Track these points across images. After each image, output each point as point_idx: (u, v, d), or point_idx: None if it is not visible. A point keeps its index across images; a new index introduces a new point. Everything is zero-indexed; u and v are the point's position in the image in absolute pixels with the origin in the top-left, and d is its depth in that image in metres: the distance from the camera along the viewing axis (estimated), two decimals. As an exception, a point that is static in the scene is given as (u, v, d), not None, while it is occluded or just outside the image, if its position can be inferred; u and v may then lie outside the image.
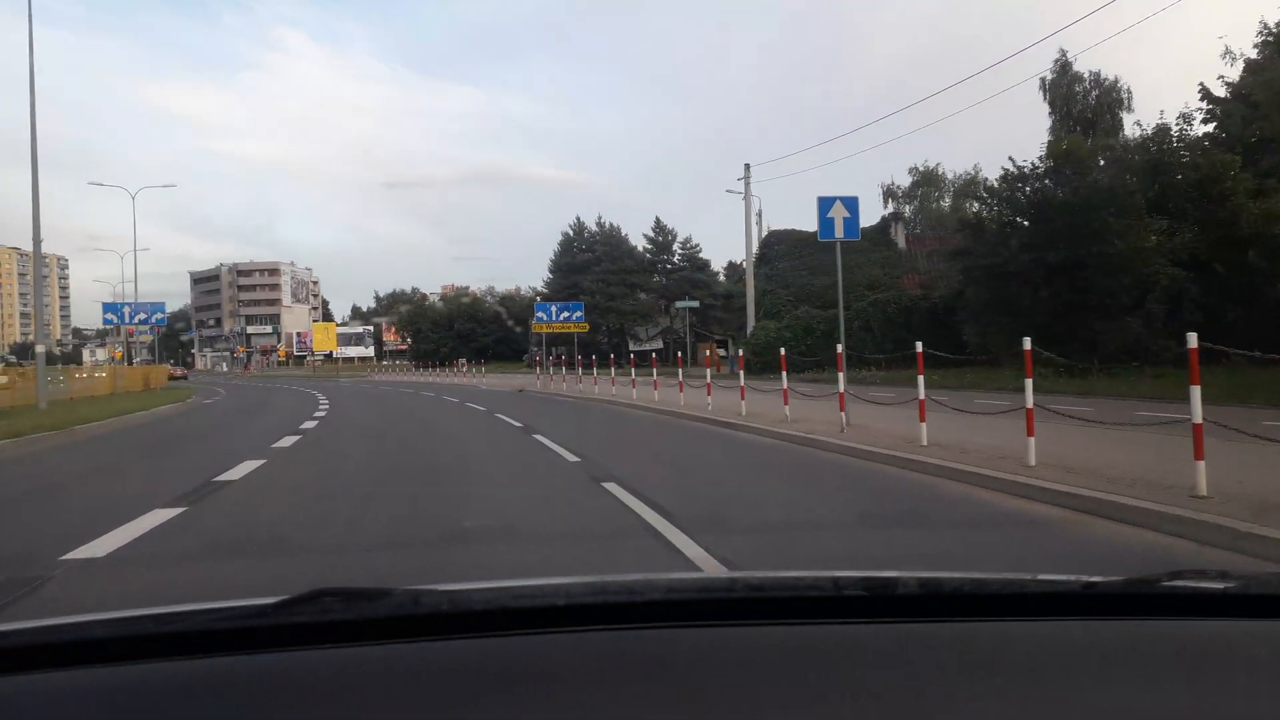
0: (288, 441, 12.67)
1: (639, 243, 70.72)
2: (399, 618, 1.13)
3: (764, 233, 46.41)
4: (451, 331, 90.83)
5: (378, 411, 21.44)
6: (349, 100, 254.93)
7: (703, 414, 15.31)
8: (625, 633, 1.12)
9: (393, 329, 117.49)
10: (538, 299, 78.79)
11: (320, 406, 22.32)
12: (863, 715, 0.96)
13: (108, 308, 44.57)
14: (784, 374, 14.04)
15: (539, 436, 12.65)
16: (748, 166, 37.19)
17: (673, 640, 1.10)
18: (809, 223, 17.07)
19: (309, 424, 16.23)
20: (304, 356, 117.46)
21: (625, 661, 1.05)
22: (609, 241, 69.65)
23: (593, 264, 68.76)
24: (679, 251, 70.62)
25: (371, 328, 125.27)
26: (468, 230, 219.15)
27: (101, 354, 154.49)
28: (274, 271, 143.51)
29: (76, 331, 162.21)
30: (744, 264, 42.15)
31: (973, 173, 51.89)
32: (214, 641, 1.07)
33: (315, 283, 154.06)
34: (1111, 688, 1.01)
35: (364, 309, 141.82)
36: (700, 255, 70.05)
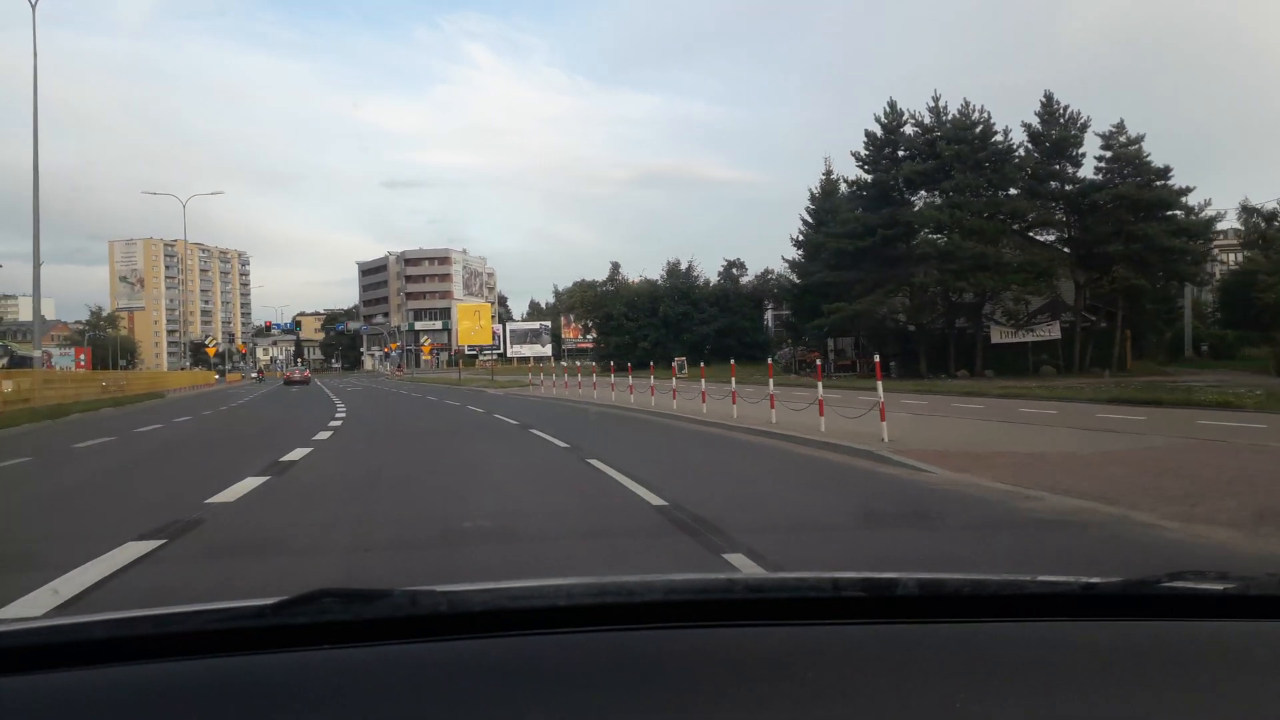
0: None
1: (1015, 138, 37.98)
2: (398, 619, 1.12)
3: None
4: (656, 317, 61.78)
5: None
6: (531, 108, 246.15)
7: None
8: (624, 634, 1.11)
9: (572, 324, 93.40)
10: (798, 257, 48.17)
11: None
12: (862, 716, 0.96)
13: None
14: None
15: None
16: None
17: (672, 641, 1.10)
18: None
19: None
20: (474, 355, 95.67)
21: (624, 662, 1.04)
22: (961, 136, 36.54)
23: (938, 172, 36.27)
24: (1099, 155, 36.98)
25: (549, 324, 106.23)
26: (648, 230, 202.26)
27: (274, 352, 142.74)
28: (444, 260, 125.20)
29: (258, 329, 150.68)
30: None
31: None
32: (213, 642, 1.07)
33: (490, 274, 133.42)
34: (1111, 689, 1.01)
35: (543, 305, 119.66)
36: (1150, 160, 35.92)
